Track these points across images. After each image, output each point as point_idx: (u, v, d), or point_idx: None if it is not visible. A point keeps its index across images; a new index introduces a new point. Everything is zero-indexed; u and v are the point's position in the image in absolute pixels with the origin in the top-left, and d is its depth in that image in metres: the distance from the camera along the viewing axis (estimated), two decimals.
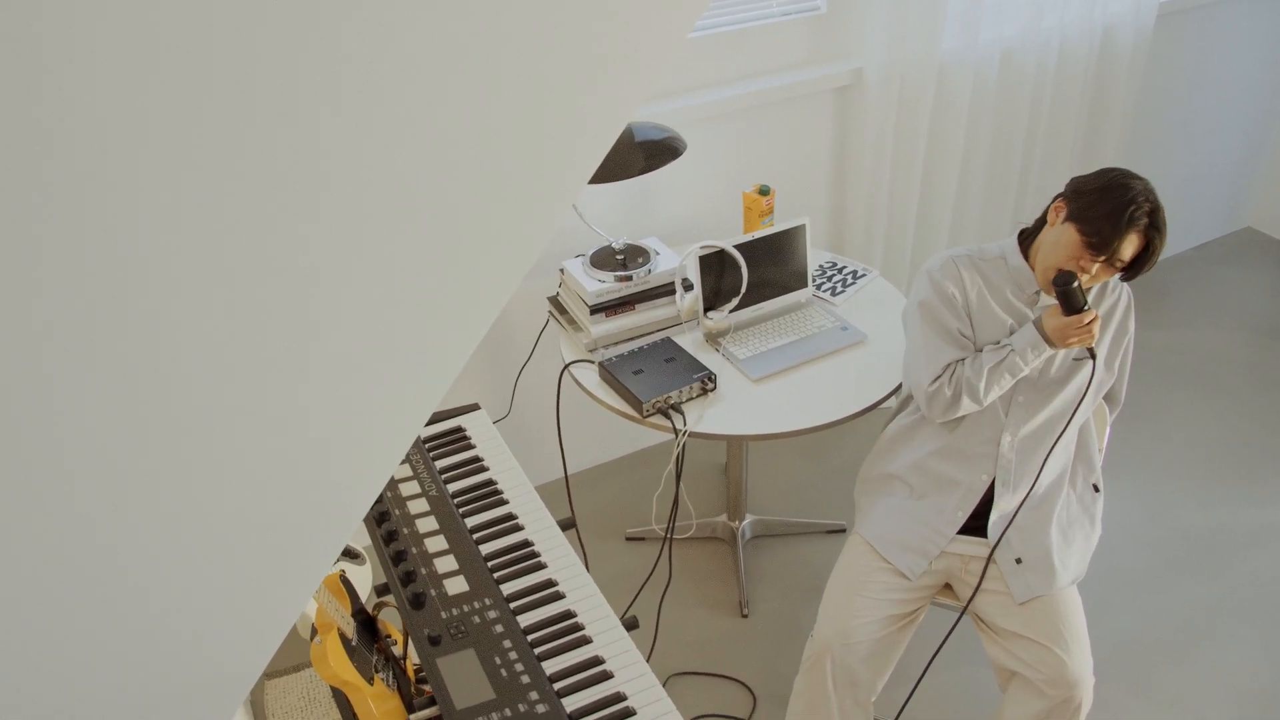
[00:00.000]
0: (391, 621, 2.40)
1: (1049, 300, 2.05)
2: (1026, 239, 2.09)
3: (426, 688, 1.63)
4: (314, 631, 1.51)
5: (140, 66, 0.56)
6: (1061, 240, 1.95)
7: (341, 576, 1.63)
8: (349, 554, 2.30)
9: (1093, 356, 1.99)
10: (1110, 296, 2.09)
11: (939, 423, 2.14)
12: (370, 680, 1.48)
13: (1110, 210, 1.89)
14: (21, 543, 0.71)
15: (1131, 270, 1.96)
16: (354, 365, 0.78)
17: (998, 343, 2.06)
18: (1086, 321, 1.92)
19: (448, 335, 0.82)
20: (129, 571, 0.78)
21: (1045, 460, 2.06)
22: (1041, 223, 2.05)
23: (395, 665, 1.58)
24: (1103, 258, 1.91)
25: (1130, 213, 1.88)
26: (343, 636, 1.49)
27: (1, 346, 0.61)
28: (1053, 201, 2.01)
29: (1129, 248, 1.91)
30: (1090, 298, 2.07)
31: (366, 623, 1.60)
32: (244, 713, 2.32)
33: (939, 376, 2.06)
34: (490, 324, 0.83)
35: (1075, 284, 1.91)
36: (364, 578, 2.74)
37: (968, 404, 2.05)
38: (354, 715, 1.50)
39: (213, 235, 0.64)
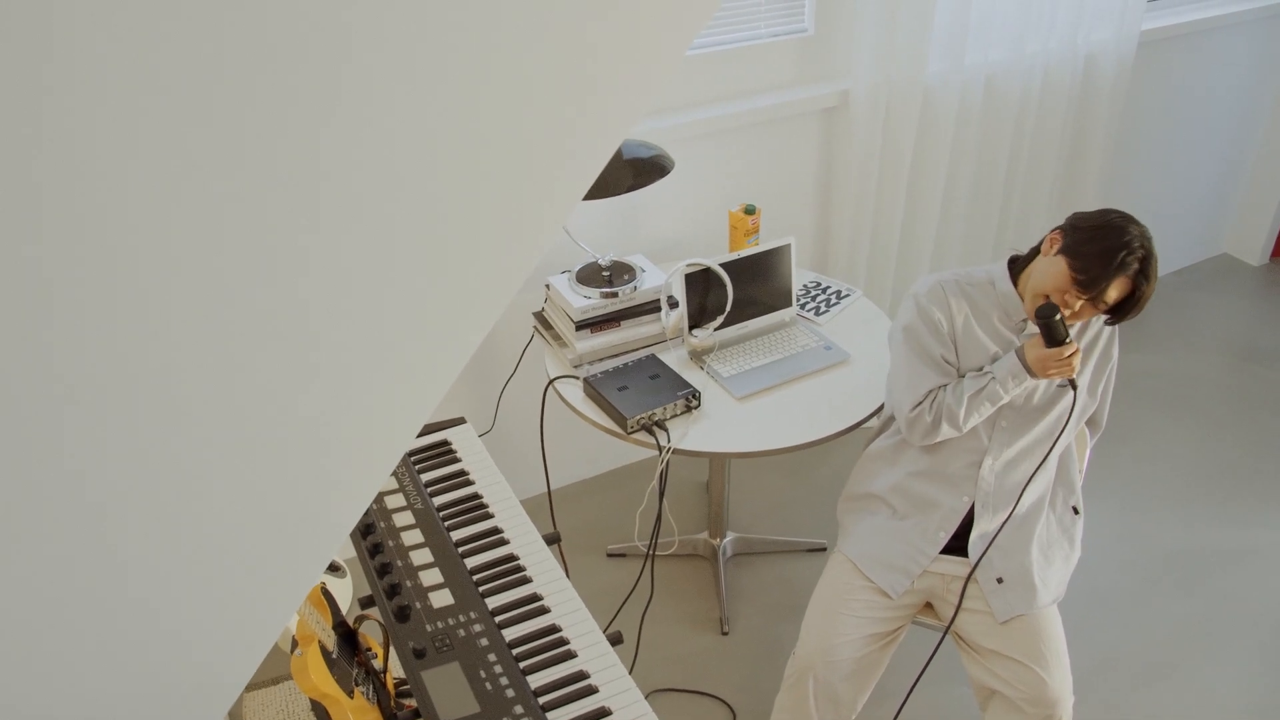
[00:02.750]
0: (372, 635, 2.39)
1: (1036, 329, 2.06)
2: (1017, 266, 2.09)
3: (407, 701, 1.63)
4: (294, 644, 1.51)
5: (146, 76, 0.57)
6: (1051, 271, 1.95)
7: (322, 589, 1.62)
8: (330, 566, 2.29)
9: (1073, 388, 2.00)
10: (1095, 324, 2.10)
11: (920, 446, 2.15)
12: (350, 693, 1.47)
13: (1103, 250, 1.89)
14: (11, 551, 0.71)
15: (1115, 314, 1.96)
16: (344, 381, 0.78)
17: (980, 369, 2.07)
18: (1067, 355, 1.93)
19: (438, 352, 0.82)
20: (118, 581, 0.78)
21: (1026, 485, 2.07)
22: (1035, 252, 2.05)
23: (375, 678, 1.58)
24: (1088, 296, 1.91)
25: (1122, 257, 1.87)
26: (323, 649, 1.48)
27: (2, 346, 0.61)
28: (1051, 231, 2.01)
29: (1115, 291, 1.91)
30: (1075, 326, 2.09)
31: (347, 635, 1.60)
32: None
33: (920, 402, 2.08)
34: (479, 342, 0.83)
35: (1058, 317, 1.91)
36: (344, 590, 2.72)
37: (947, 430, 2.06)
38: None
39: (202, 254, 0.64)
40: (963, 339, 2.08)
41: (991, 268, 2.12)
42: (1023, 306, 2.06)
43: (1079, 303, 1.93)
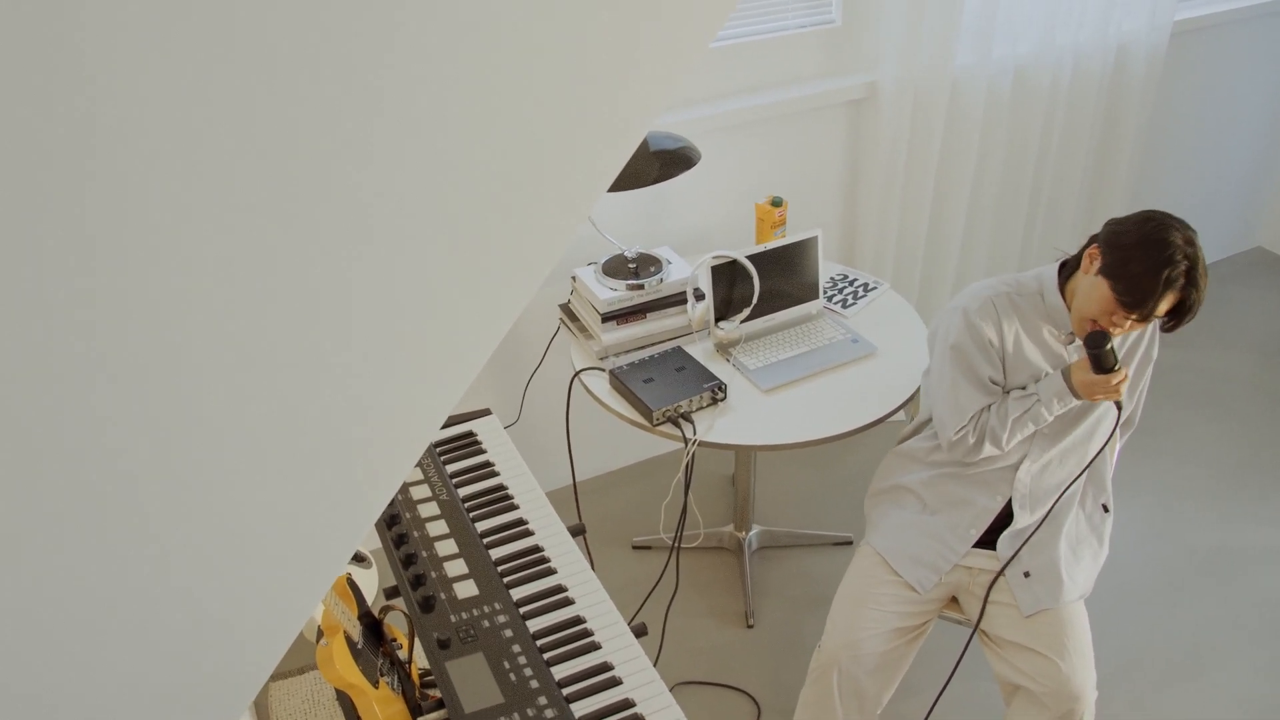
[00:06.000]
0: (397, 625, 2.40)
1: (1083, 343, 1.96)
2: (1064, 272, 2.02)
3: (431, 692, 1.63)
4: (320, 634, 1.51)
5: (172, 80, 0.57)
6: (1095, 294, 1.87)
7: (348, 580, 1.63)
8: (355, 558, 2.30)
9: (1119, 409, 1.96)
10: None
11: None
12: (375, 684, 1.48)
13: (1145, 270, 1.79)
14: (33, 541, 0.71)
15: (1168, 322, 1.88)
16: (369, 372, 0.78)
17: (1024, 388, 2.03)
18: (1115, 382, 1.88)
19: (463, 344, 0.82)
20: (143, 571, 0.78)
21: (1065, 489, 2.04)
22: (1080, 259, 1.97)
23: (400, 669, 1.58)
24: (1136, 316, 1.84)
25: (1167, 274, 1.78)
26: (348, 639, 1.49)
27: (20, 338, 0.61)
28: (1087, 245, 1.92)
29: (1165, 305, 1.83)
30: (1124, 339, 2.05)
31: (372, 626, 1.60)
32: (247, 714, 2.32)
33: (964, 425, 2.03)
34: (506, 331, 0.83)
35: (1109, 346, 1.85)
36: (370, 581, 2.74)
37: (990, 449, 2.02)
38: (358, 718, 1.51)
39: (228, 243, 0.64)
40: (1012, 358, 2.03)
41: (1042, 274, 2.04)
42: (1070, 320, 1.99)
43: (1128, 322, 1.86)
